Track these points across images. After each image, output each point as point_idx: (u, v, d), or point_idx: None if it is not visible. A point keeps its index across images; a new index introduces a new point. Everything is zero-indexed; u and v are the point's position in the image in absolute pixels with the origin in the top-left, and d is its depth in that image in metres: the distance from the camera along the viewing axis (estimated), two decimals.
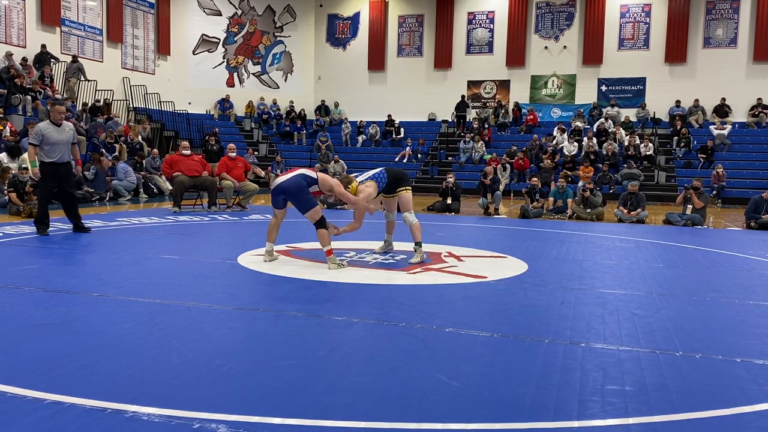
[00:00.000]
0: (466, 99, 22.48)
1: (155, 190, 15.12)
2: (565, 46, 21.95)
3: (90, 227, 8.08)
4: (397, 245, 7.03)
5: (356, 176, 6.46)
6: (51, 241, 7.09)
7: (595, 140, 19.24)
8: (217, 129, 19.71)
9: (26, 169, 7.87)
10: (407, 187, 6.54)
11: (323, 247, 5.82)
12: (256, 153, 20.49)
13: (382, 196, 6.64)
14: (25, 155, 8.82)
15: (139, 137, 17.12)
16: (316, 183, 5.96)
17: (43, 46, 16.77)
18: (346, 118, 23.30)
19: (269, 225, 6.18)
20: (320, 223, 5.84)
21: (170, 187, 12.90)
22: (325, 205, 11.84)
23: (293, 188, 5.86)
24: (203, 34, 22.99)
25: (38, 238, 7.30)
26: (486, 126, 21.58)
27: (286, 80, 24.77)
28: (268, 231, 6.15)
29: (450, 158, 20.91)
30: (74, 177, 8.22)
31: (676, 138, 19.74)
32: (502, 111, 22.12)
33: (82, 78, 17.66)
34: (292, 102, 23.74)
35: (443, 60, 23.02)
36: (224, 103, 22.91)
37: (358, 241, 7.45)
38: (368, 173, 6.49)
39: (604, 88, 21.79)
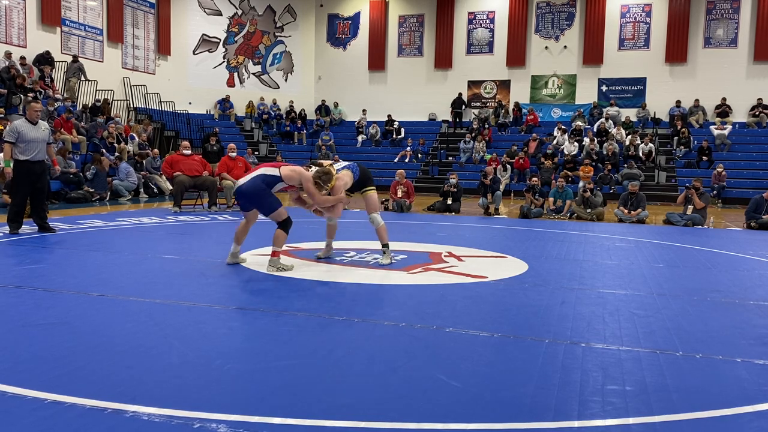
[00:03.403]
0: (463, 97, 22.49)
1: (155, 190, 15.13)
2: (565, 46, 21.95)
3: (56, 228, 7.94)
4: (397, 245, 7.02)
5: (337, 171, 6.06)
6: (51, 241, 7.10)
7: (596, 140, 19.24)
8: (217, 129, 19.70)
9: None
10: (373, 188, 6.27)
11: (273, 246, 5.58)
12: (256, 153, 20.49)
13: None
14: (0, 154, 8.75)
15: (144, 136, 17.18)
16: (279, 180, 5.64)
17: (47, 52, 16.77)
18: (363, 117, 23.23)
19: (238, 227, 5.93)
20: (283, 224, 5.63)
21: (170, 187, 12.90)
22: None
23: (250, 192, 5.57)
24: (203, 34, 22.99)
25: (38, 238, 7.30)
26: (486, 126, 21.59)
27: (286, 80, 24.77)
28: (236, 233, 5.88)
29: (450, 158, 20.91)
30: (48, 176, 8.11)
31: (676, 138, 19.75)
32: (503, 111, 22.13)
33: (83, 78, 17.66)
34: (292, 102, 23.74)
35: (443, 60, 23.02)
36: (224, 103, 22.91)
37: (358, 241, 7.45)
38: (343, 163, 6.26)
39: (604, 88, 21.79)
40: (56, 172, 8.32)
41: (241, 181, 5.70)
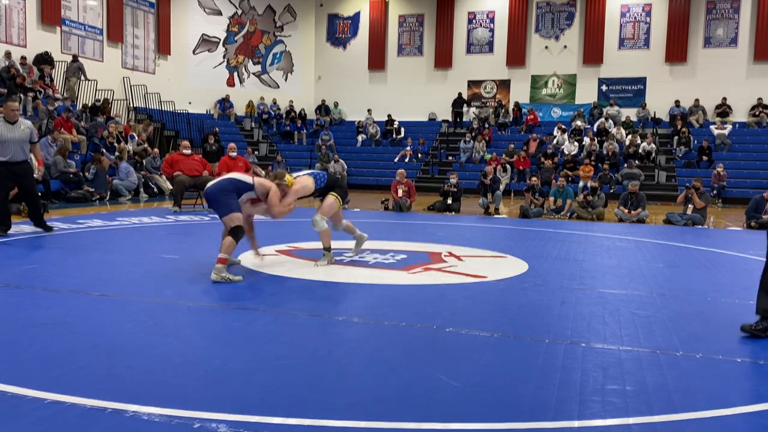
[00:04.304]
0: (463, 97, 22.49)
1: (155, 190, 15.13)
2: (565, 46, 21.94)
3: (55, 227, 7.89)
4: (398, 245, 7.02)
5: (296, 176, 5.99)
6: (50, 241, 7.09)
7: (596, 140, 19.24)
8: (217, 129, 19.71)
9: None
10: (335, 195, 6.01)
11: (220, 253, 5.16)
12: (256, 153, 20.50)
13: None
14: None
15: (144, 136, 17.19)
16: (251, 189, 5.43)
17: (47, 53, 16.77)
18: (370, 117, 23.22)
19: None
20: (233, 232, 5.20)
21: (170, 187, 12.90)
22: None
23: (213, 192, 5.30)
24: (203, 34, 22.99)
25: (38, 238, 7.30)
26: (486, 126, 21.59)
27: (286, 80, 24.77)
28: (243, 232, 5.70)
29: (450, 158, 20.91)
30: (34, 176, 7.81)
31: (676, 138, 19.75)
32: (503, 111, 22.12)
33: (83, 78, 17.66)
34: (291, 102, 23.74)
35: (443, 59, 23.02)
36: (224, 103, 22.91)
37: None
38: (308, 171, 6.16)
39: (604, 87, 21.78)
40: (39, 173, 8.11)
41: (210, 183, 5.48)
